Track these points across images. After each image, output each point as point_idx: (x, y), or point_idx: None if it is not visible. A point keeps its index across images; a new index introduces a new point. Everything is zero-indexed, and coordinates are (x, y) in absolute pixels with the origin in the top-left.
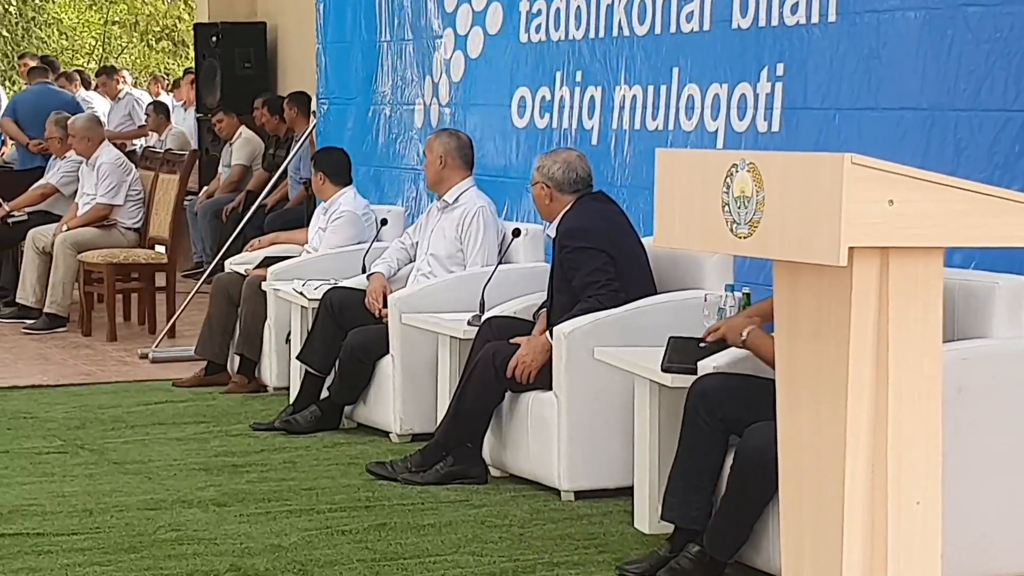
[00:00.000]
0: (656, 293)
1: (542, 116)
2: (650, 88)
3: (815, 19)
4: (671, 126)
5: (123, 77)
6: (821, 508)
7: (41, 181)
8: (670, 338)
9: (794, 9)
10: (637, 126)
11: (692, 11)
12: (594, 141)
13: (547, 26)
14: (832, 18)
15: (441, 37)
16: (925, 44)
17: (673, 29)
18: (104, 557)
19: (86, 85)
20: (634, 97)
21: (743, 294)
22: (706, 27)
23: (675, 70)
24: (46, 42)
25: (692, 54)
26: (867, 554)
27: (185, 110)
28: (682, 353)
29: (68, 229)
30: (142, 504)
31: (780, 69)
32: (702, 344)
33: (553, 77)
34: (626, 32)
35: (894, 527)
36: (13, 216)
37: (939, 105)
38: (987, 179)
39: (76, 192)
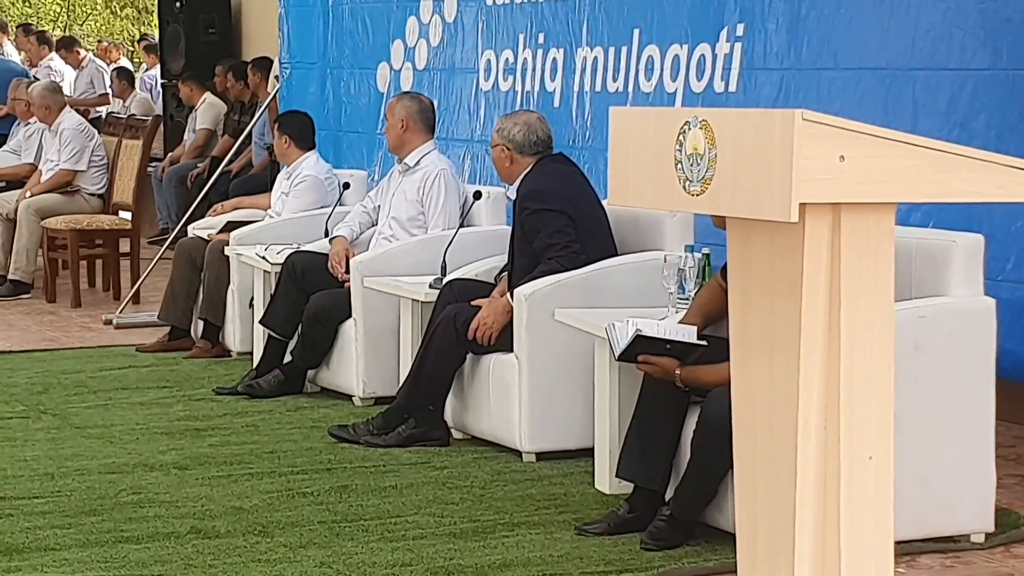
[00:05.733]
0: (616, 254)
1: (505, 79)
2: (611, 50)
3: None
4: (631, 87)
5: (83, 47)
6: (774, 463)
7: (8, 147)
8: (637, 336)
9: None
10: (598, 88)
11: None
12: (556, 103)
13: None
14: None
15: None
16: (884, 4)
17: None
18: (65, 520)
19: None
20: (595, 59)
21: (703, 254)
22: None
23: (636, 31)
24: (7, 11)
25: (653, 15)
26: (820, 509)
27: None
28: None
29: (31, 195)
30: (104, 468)
31: (740, 29)
32: (668, 347)
33: (516, 40)
34: None
35: (847, 482)
36: None
37: (898, 64)
38: (945, 137)
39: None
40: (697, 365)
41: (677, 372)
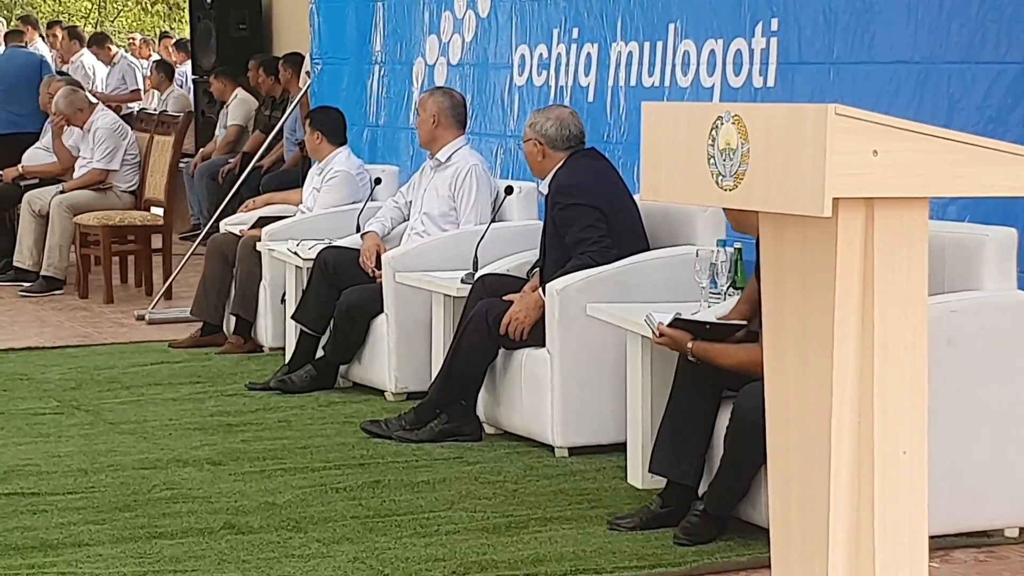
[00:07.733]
0: (648, 249)
1: (539, 74)
2: (646, 44)
3: None
4: (667, 82)
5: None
6: (807, 458)
7: (40, 144)
8: (676, 319)
9: None
10: (633, 83)
11: None
12: (590, 98)
13: None
14: None
15: None
16: None
17: None
18: (99, 516)
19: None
20: (630, 53)
21: (735, 249)
22: None
23: (671, 26)
24: (38, 8)
25: (688, 10)
26: (853, 504)
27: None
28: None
29: (64, 191)
30: (137, 463)
31: (775, 24)
32: (708, 327)
33: (550, 34)
34: None
35: (880, 477)
36: (25, 180)
37: (932, 58)
38: (980, 131)
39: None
40: (711, 343)
41: (689, 346)
